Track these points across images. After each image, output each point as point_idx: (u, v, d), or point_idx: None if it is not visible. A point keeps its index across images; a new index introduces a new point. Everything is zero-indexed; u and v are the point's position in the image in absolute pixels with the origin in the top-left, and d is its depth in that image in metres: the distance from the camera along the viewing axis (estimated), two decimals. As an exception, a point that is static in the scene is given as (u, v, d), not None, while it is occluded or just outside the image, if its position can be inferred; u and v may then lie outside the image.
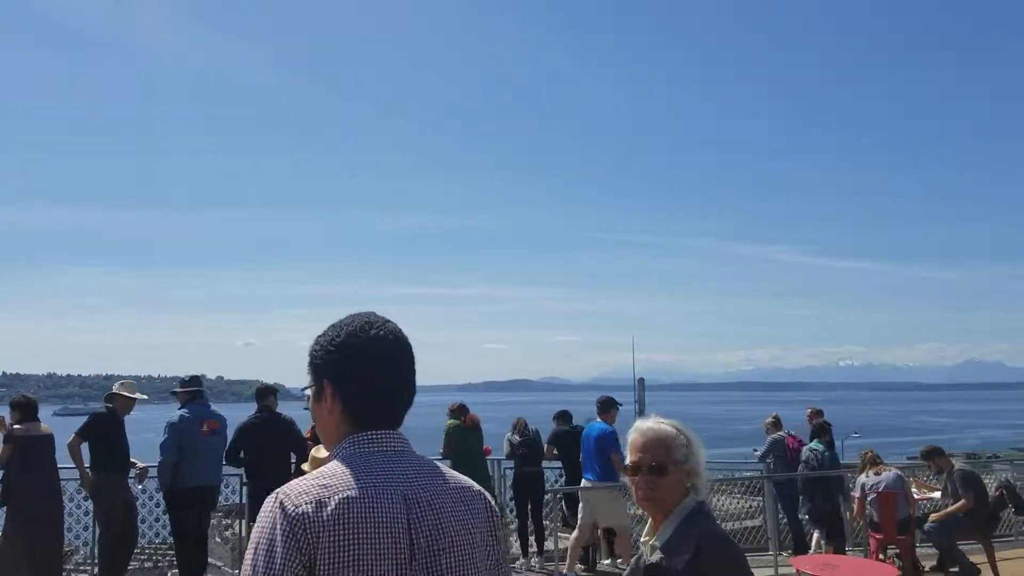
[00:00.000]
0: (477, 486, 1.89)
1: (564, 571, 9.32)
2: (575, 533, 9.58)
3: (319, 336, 1.89)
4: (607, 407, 9.85)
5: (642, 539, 2.79)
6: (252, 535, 1.65)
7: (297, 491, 1.66)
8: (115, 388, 8.80)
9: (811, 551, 10.35)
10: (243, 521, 9.90)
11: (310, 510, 1.62)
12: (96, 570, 8.77)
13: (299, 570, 1.59)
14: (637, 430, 2.80)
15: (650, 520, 2.78)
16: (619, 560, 10.10)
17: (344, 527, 1.62)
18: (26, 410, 8.21)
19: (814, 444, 10.68)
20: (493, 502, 1.91)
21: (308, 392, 1.89)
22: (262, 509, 1.67)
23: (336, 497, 1.65)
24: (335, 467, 1.74)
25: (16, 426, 8.06)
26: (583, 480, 9.71)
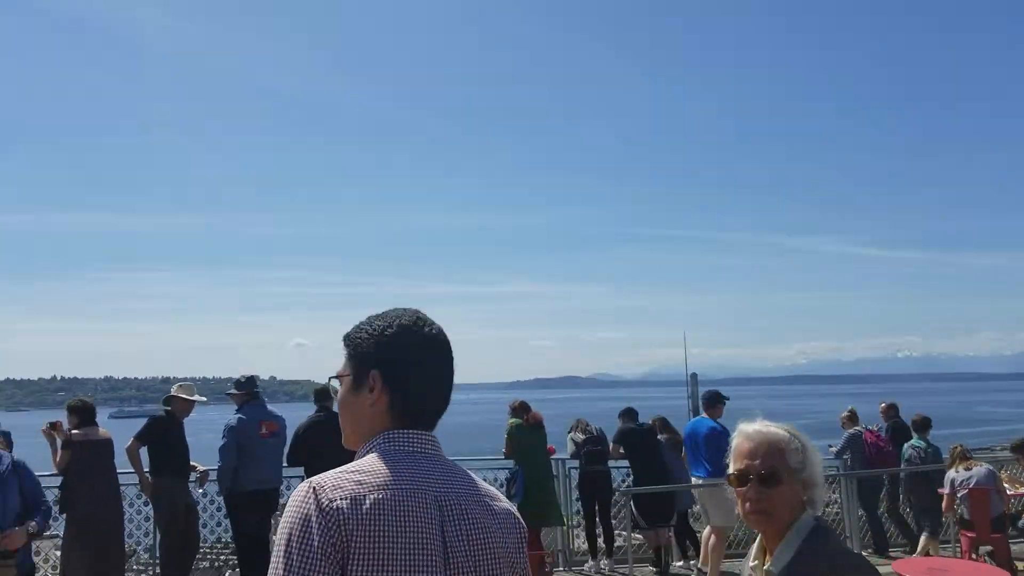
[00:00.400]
0: (507, 501, 1.82)
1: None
2: (712, 539, 8.97)
3: (364, 325, 1.83)
4: (714, 402, 9.43)
5: (750, 564, 2.33)
6: (282, 525, 1.57)
7: (331, 484, 1.59)
8: (173, 390, 8.66)
9: (918, 553, 9.91)
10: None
11: (345, 506, 1.55)
12: (158, 571, 8.62)
13: (334, 567, 1.52)
14: (742, 434, 2.34)
15: (757, 541, 2.33)
16: (693, 563, 9.73)
17: (379, 527, 1.56)
18: (84, 414, 8.07)
19: (915, 441, 10.34)
20: (521, 519, 1.84)
21: (339, 381, 1.83)
22: (293, 499, 1.59)
23: (372, 495, 1.59)
24: (371, 462, 1.67)
25: (74, 431, 7.94)
26: (693, 478, 9.36)
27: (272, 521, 8.60)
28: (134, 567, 9.74)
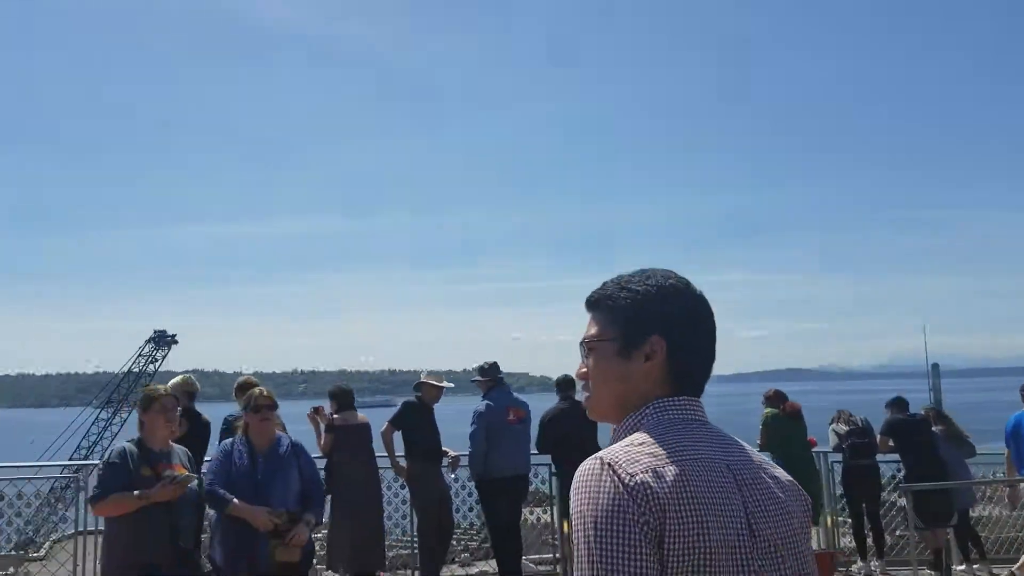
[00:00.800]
0: (786, 474, 1.64)
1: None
2: None
3: (629, 285, 1.65)
4: None
5: None
6: (579, 511, 1.42)
7: (626, 458, 1.45)
8: (423, 377, 8.81)
9: None
10: (553, 509, 9.85)
11: (649, 479, 1.41)
12: (416, 555, 8.81)
13: (653, 547, 1.37)
14: None
15: None
16: (976, 567, 8.73)
17: (688, 502, 1.41)
18: (343, 400, 8.38)
19: None
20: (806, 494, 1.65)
21: (589, 347, 1.65)
22: (583, 478, 1.44)
23: (672, 467, 1.44)
24: (655, 433, 1.52)
25: (335, 416, 8.24)
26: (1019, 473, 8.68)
27: (523, 507, 8.59)
28: (393, 548, 10.03)
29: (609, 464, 1.44)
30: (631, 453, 1.46)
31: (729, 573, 1.43)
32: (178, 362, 63.54)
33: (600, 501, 1.40)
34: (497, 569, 8.55)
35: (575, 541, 1.44)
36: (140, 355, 62.24)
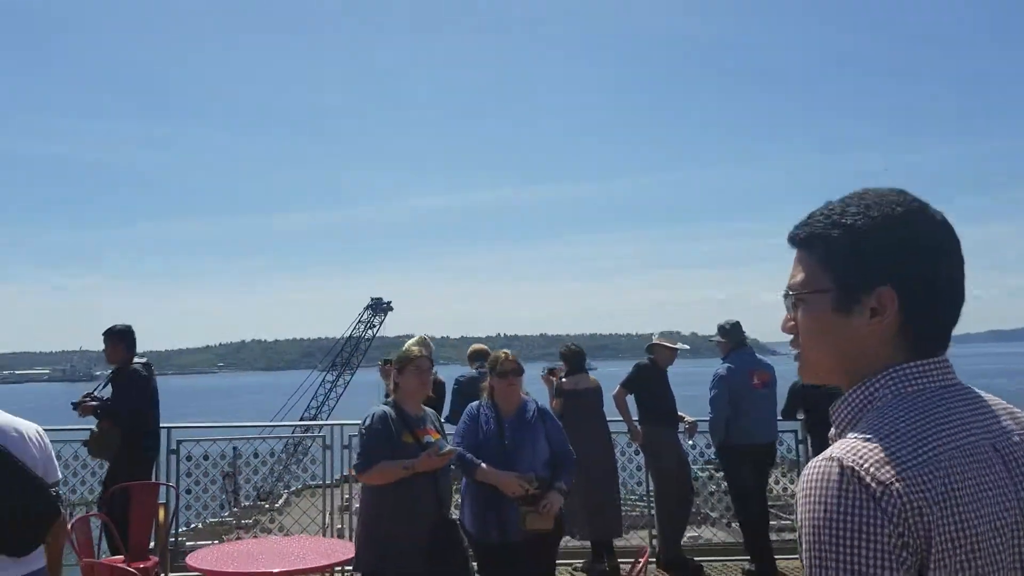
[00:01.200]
0: None
1: None
2: None
3: (850, 214, 1.25)
4: None
5: None
6: (812, 522, 1.11)
7: (873, 458, 1.11)
8: (655, 339, 8.39)
9: None
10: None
11: (905, 487, 1.08)
12: (654, 522, 8.47)
13: (906, 570, 1.07)
14: None
15: None
16: None
17: (954, 509, 1.09)
18: (574, 361, 8.11)
19: None
20: None
21: (795, 299, 1.31)
22: (817, 483, 1.12)
23: (931, 469, 1.10)
24: (898, 417, 1.17)
25: (564, 379, 7.99)
26: None
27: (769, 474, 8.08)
28: (630, 515, 9.76)
29: (851, 468, 1.12)
30: (875, 451, 1.13)
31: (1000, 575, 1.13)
32: (392, 328, 66.76)
33: (842, 516, 1.10)
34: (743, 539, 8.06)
35: (808, 558, 1.14)
36: (359, 321, 65.97)
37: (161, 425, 7.64)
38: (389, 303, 66.41)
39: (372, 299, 66.63)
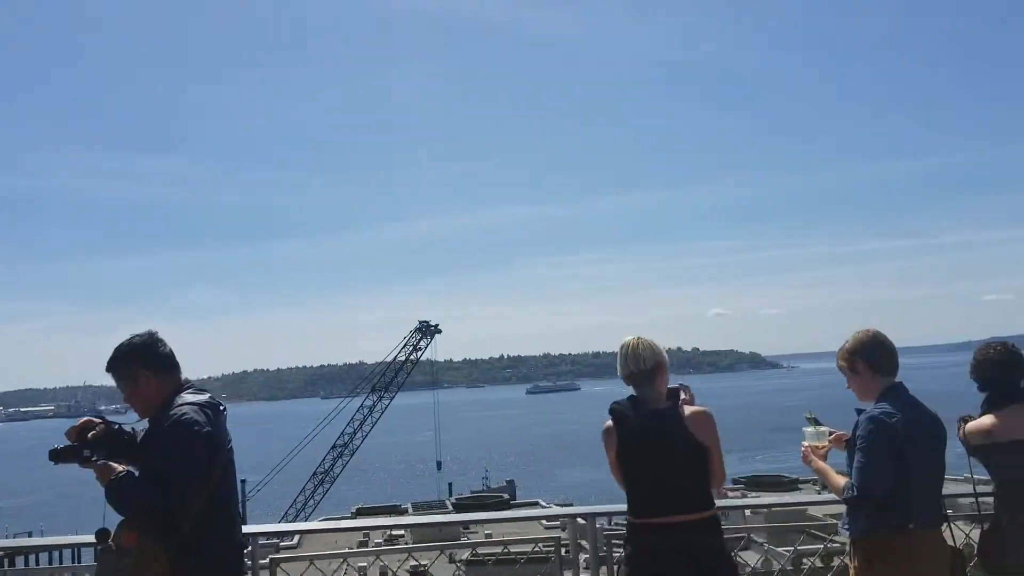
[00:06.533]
0: None
1: None
2: None
3: None
4: None
5: None
6: None
7: None
8: None
9: None
10: None
11: None
12: None
13: None
14: None
15: None
16: None
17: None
18: None
19: None
20: None
21: None
22: None
23: None
24: None
25: None
26: None
27: None
28: None
29: None
30: None
31: None
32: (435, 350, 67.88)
33: None
34: None
35: None
36: (406, 344, 67.10)
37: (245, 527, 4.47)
38: (437, 326, 67.60)
39: (420, 322, 67.85)
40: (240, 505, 4.34)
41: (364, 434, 64.77)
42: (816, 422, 4.46)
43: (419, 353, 67.00)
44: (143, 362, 3.96)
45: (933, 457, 4.15)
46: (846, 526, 4.17)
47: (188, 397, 3.90)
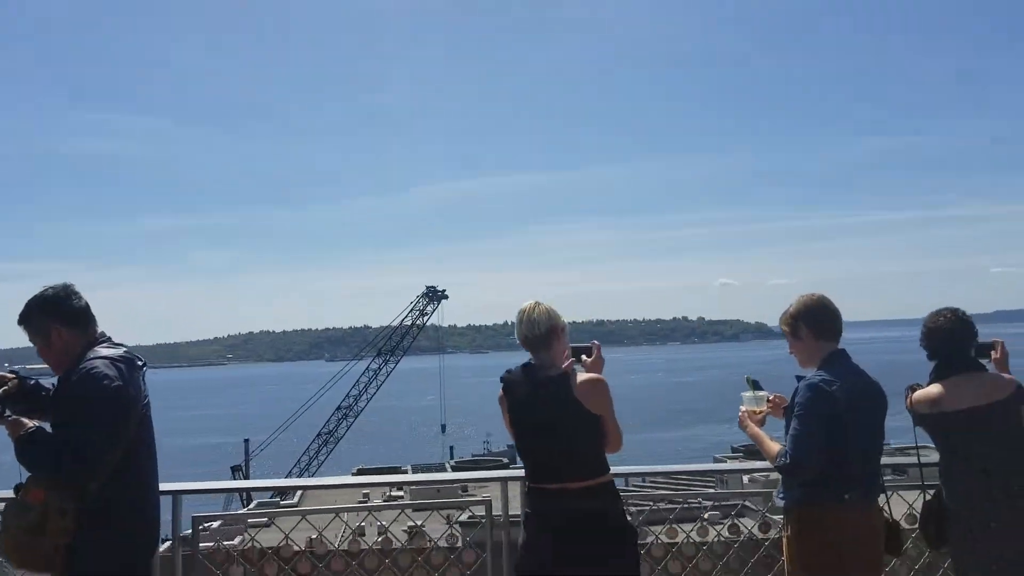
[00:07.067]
0: None
1: None
2: None
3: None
4: None
5: None
6: None
7: None
8: None
9: None
10: None
11: None
12: None
13: None
14: None
15: None
16: None
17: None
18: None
19: None
20: None
21: None
22: None
23: None
24: None
25: None
26: None
27: None
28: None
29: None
30: None
31: None
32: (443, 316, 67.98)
33: None
34: None
35: None
36: (413, 309, 67.45)
37: (163, 485, 4.19)
38: (444, 291, 67.87)
39: (427, 287, 68.03)
40: (157, 467, 3.95)
41: (369, 396, 65.41)
42: (756, 385, 4.35)
43: (425, 318, 67.32)
44: (54, 315, 3.82)
45: (872, 427, 4.08)
46: (780, 495, 4.12)
47: (101, 351, 3.77)
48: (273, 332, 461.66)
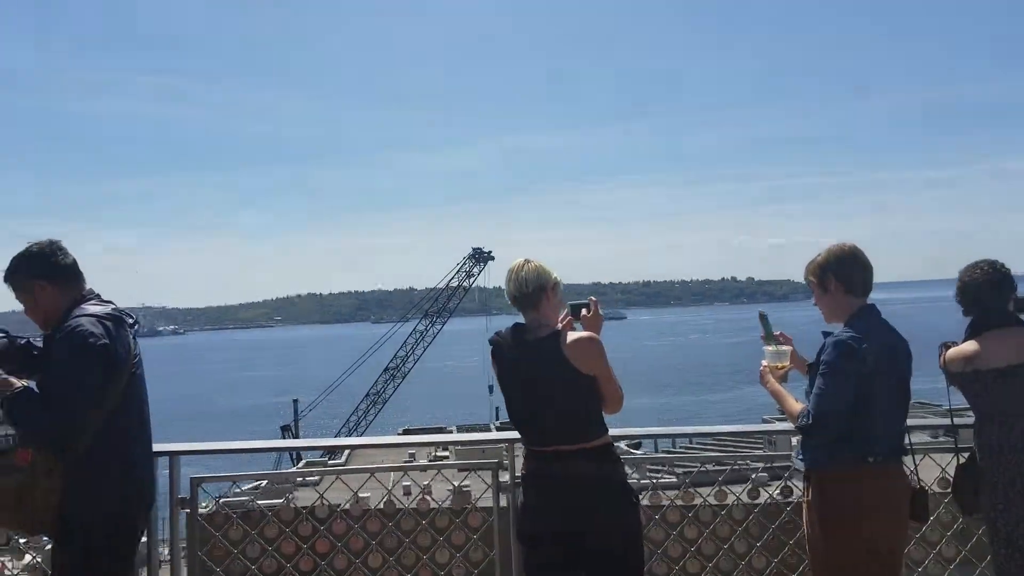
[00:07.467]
0: None
1: None
2: None
3: None
4: None
5: None
6: None
7: None
8: None
9: None
10: None
11: None
12: None
13: None
14: None
15: None
16: None
17: None
18: None
19: None
20: None
21: None
22: None
23: None
24: None
25: None
26: None
27: None
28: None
29: None
30: None
31: None
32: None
33: None
34: None
35: None
36: (459, 271, 67.57)
37: (155, 446, 4.07)
38: (490, 252, 67.34)
39: (473, 249, 67.81)
40: (149, 426, 3.89)
41: (416, 358, 65.94)
42: (766, 319, 4.10)
43: (471, 280, 67.36)
44: (39, 271, 3.75)
45: (899, 386, 3.81)
46: (800, 456, 3.86)
47: (88, 308, 3.70)
48: (319, 294, 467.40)
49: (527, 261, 3.79)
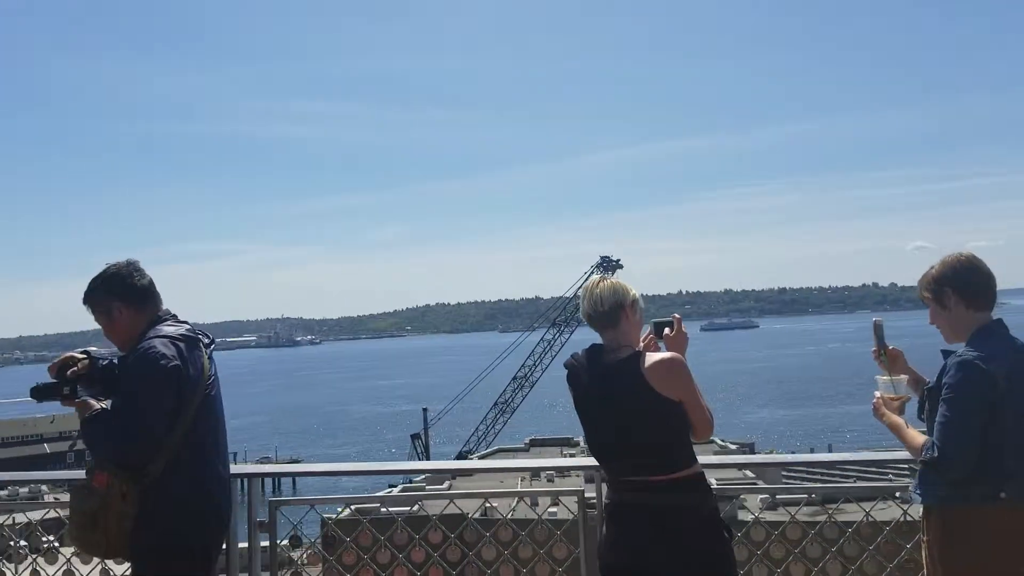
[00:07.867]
0: None
1: None
2: None
3: None
4: None
5: None
6: None
7: None
8: None
9: None
10: None
11: None
12: None
13: None
14: None
15: None
16: None
17: None
18: None
19: None
20: None
21: None
22: None
23: None
24: None
25: None
26: None
27: None
28: None
29: None
30: None
31: None
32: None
33: None
34: None
35: None
36: (587, 279, 67.56)
37: (233, 468, 4.05)
38: (618, 261, 67.60)
39: (601, 257, 68.14)
40: (225, 448, 3.90)
41: (544, 367, 66.09)
42: (881, 330, 3.67)
43: (600, 289, 67.09)
44: (116, 293, 3.77)
45: None
46: (918, 491, 3.38)
47: (163, 329, 3.72)
48: (448, 304, 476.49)
49: (603, 278, 3.65)
